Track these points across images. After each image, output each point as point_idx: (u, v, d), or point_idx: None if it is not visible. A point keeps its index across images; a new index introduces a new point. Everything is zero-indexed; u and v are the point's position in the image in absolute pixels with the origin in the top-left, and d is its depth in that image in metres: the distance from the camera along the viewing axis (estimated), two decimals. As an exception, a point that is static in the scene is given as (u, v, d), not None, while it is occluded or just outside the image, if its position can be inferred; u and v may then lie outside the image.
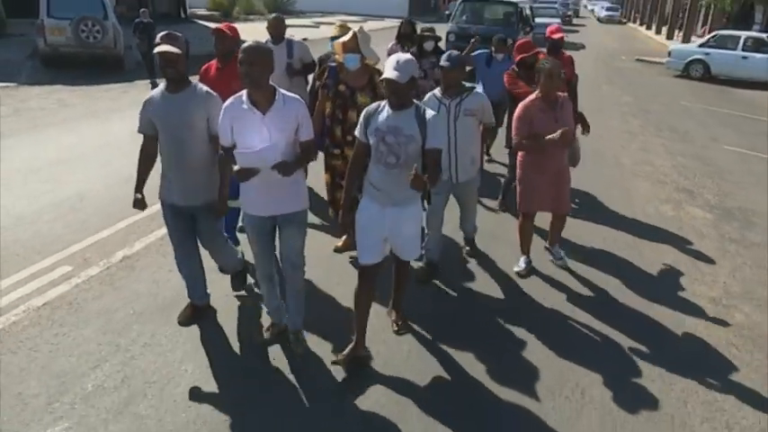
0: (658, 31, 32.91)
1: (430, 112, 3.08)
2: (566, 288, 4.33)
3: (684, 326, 3.92)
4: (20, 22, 17.03)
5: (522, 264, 4.53)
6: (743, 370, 3.48)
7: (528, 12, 16.73)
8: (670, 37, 27.62)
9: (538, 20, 19.56)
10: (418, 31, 6.08)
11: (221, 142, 3.04)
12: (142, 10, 12.25)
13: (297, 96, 3.10)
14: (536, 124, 4.01)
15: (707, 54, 16.34)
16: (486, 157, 6.71)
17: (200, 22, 23.70)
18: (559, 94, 4.11)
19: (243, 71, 2.82)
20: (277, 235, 3.27)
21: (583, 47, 22.84)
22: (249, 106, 2.92)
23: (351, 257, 4.51)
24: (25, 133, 7.87)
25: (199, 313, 3.67)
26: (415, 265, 4.22)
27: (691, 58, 16.63)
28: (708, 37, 17.10)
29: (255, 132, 2.92)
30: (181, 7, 23.20)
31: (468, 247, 4.80)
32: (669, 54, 17.56)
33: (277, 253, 3.34)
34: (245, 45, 2.88)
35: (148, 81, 11.53)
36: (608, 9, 50.36)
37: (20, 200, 5.48)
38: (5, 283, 4.04)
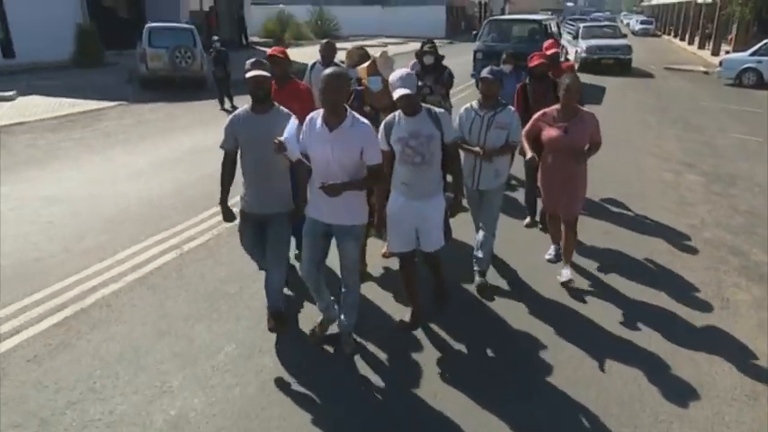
0: (691, 42, 33.96)
1: (439, 110, 3.61)
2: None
3: (666, 242, 5.56)
4: (110, 53, 19.79)
5: (551, 251, 5.00)
6: (700, 263, 5.11)
7: (554, 28, 16.98)
8: (702, 47, 28.76)
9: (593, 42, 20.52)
10: (439, 51, 6.13)
11: (294, 154, 3.23)
12: (216, 38, 13.71)
13: (367, 122, 3.32)
14: (545, 132, 4.34)
15: (759, 62, 17.05)
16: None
17: (260, 48, 26.25)
18: (582, 109, 4.33)
19: (323, 94, 3.12)
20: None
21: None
22: (321, 124, 3.23)
23: (383, 254, 4.89)
24: (153, 137, 10.00)
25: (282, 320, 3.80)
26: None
27: (743, 67, 17.30)
28: (759, 45, 17.60)
29: (320, 146, 3.21)
30: (242, 35, 25.76)
31: (478, 280, 4.51)
32: (720, 64, 18.44)
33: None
34: (328, 71, 3.16)
35: (217, 100, 12.89)
36: (642, 23, 51.32)
37: (165, 182, 7.49)
38: (147, 231, 5.96)
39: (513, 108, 4.33)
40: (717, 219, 6.21)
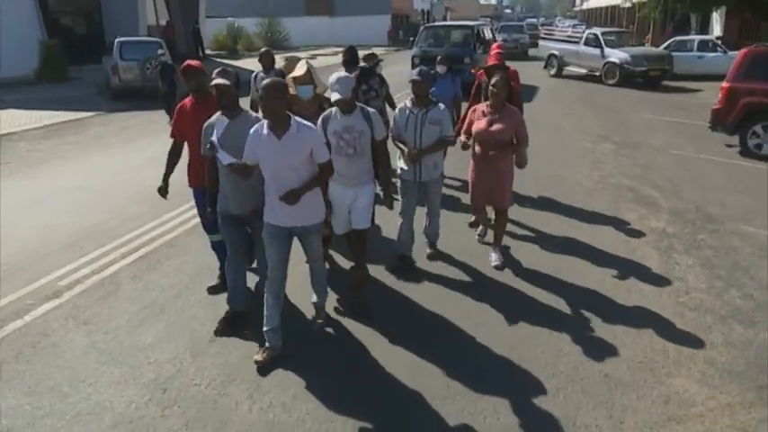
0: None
1: (371, 110, 4.04)
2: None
3: (582, 187, 7.25)
4: (72, 68, 20.47)
5: (478, 230, 5.56)
6: (605, 196, 6.81)
7: (488, 32, 17.92)
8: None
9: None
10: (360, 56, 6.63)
11: (245, 160, 3.42)
12: (161, 52, 14.06)
13: (310, 124, 3.50)
14: (474, 124, 4.71)
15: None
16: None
17: (216, 60, 27.24)
18: (508, 106, 4.68)
19: (263, 104, 3.26)
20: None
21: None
22: (268, 132, 3.34)
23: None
24: (142, 138, 11.09)
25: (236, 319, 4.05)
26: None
27: None
28: (668, 42, 19.45)
29: (271, 155, 3.33)
30: (199, 47, 26.70)
31: (431, 250, 5.17)
32: None
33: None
34: (265, 82, 3.30)
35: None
36: (574, 26, 54.81)
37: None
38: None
39: (443, 105, 4.68)
40: (621, 170, 8.00)
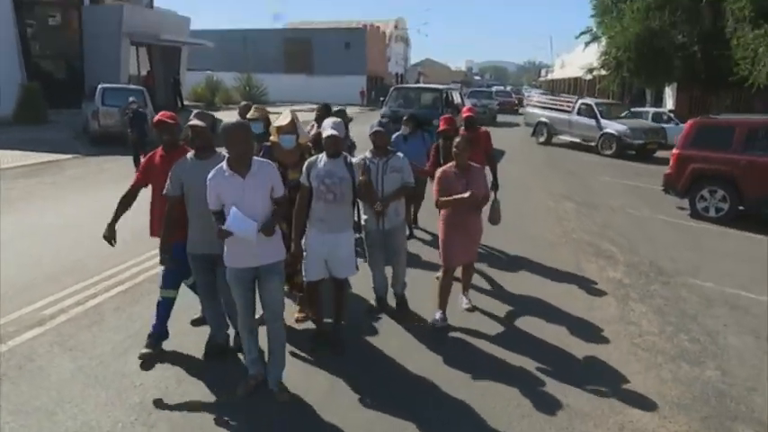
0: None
1: (355, 159, 4.28)
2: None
3: (546, 240, 7.71)
4: (50, 112, 20.61)
5: (437, 316, 4.90)
6: (567, 249, 7.27)
7: (456, 97, 17.95)
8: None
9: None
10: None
11: (210, 206, 3.44)
12: (132, 99, 13.75)
13: (268, 161, 3.64)
14: (450, 187, 4.69)
15: None
16: (413, 225, 7.63)
17: (193, 110, 27.76)
18: (471, 164, 4.80)
19: (230, 147, 3.34)
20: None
21: (518, 125, 27.89)
22: (230, 173, 3.38)
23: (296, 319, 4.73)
24: (119, 181, 11.14)
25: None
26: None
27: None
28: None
29: (235, 195, 3.35)
30: (178, 97, 27.21)
31: (398, 302, 5.09)
32: None
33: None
34: (228, 124, 3.38)
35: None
36: (540, 95, 57.88)
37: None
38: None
39: (401, 154, 4.82)
40: (581, 227, 8.53)
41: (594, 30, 26.60)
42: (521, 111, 35.01)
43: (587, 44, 27.92)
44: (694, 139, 9.57)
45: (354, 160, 4.60)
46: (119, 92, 16.57)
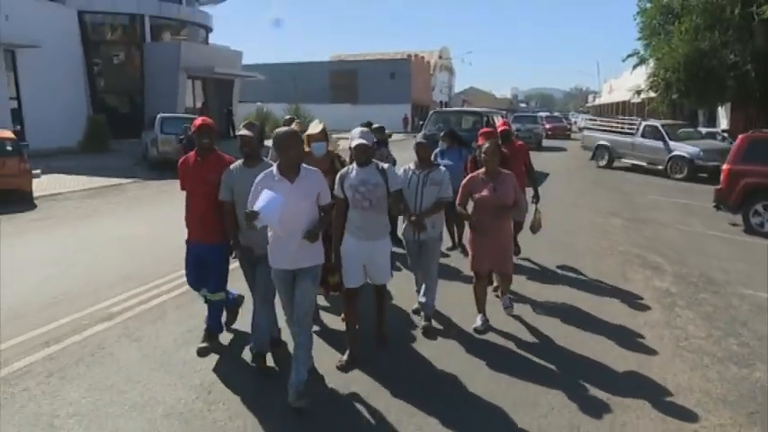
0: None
1: (385, 165, 4.22)
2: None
3: (592, 252, 7.70)
4: (112, 141, 22.00)
5: (478, 321, 4.95)
6: (614, 261, 7.24)
7: (498, 120, 17.63)
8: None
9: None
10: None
11: (250, 206, 3.51)
12: (185, 126, 14.31)
13: (316, 169, 3.76)
14: (475, 192, 4.74)
15: None
16: (459, 244, 7.49)
17: (245, 139, 28.89)
18: (503, 171, 4.81)
19: (281, 152, 3.51)
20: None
21: (565, 149, 27.69)
22: (280, 177, 3.54)
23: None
24: (176, 201, 11.82)
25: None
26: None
27: None
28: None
29: (285, 198, 3.45)
30: (230, 127, 28.46)
31: (425, 323, 4.94)
32: None
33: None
34: (280, 131, 3.58)
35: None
36: (587, 120, 57.29)
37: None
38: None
39: (444, 168, 4.94)
40: (628, 240, 8.46)
41: (642, 52, 26.32)
42: (573, 136, 34.75)
43: (635, 66, 27.61)
44: (746, 154, 9.40)
45: (399, 170, 4.77)
46: (176, 120, 17.56)
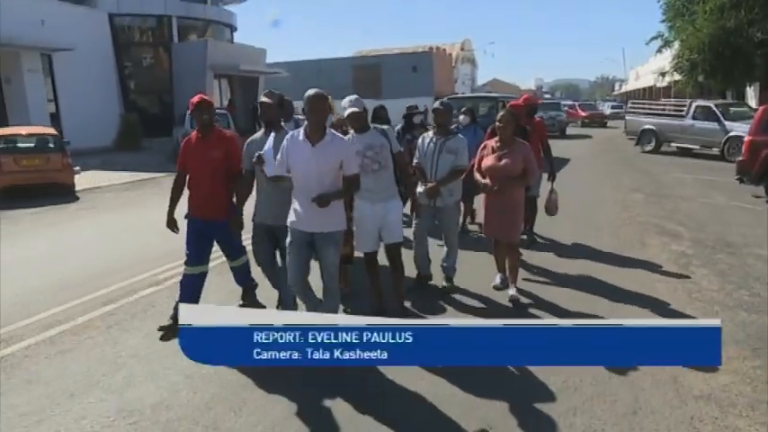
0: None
1: (384, 126, 4.43)
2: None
3: (613, 222, 7.90)
4: (143, 140, 22.82)
5: (497, 279, 5.13)
6: (633, 229, 7.43)
7: None
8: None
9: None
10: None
11: (276, 168, 3.63)
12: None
13: (345, 138, 3.81)
14: (484, 160, 4.82)
15: None
16: (476, 224, 7.38)
17: (271, 134, 29.58)
18: (518, 140, 4.79)
19: (309, 113, 3.50)
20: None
21: (590, 136, 27.42)
22: (304, 138, 3.55)
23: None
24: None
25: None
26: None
27: None
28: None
29: (304, 159, 3.51)
30: (256, 122, 29.08)
31: (446, 284, 5.13)
32: None
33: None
34: (309, 93, 3.51)
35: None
36: (613, 107, 56.53)
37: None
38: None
39: (462, 136, 5.01)
40: (648, 212, 8.63)
41: (666, 34, 26.04)
42: (609, 124, 34.07)
43: (659, 49, 27.32)
44: (767, 124, 9.44)
45: (419, 139, 4.99)
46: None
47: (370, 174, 4.16)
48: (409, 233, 5.19)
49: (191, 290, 4.39)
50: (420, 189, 4.93)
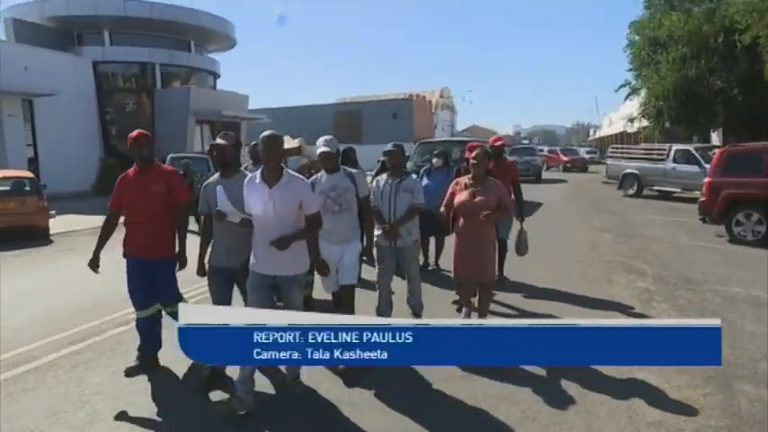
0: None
1: (354, 170, 4.43)
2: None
3: (581, 261, 8.11)
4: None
5: (463, 311, 5.11)
6: (600, 267, 7.64)
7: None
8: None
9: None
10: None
11: (234, 215, 3.75)
12: (184, 161, 15.22)
13: (302, 177, 3.79)
14: (457, 197, 4.82)
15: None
16: (434, 266, 7.72)
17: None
18: (490, 179, 4.84)
19: (264, 155, 3.51)
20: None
21: (565, 180, 28.06)
22: (260, 180, 3.53)
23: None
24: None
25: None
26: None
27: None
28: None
29: (261, 202, 3.50)
30: (212, 165, 29.31)
31: (415, 319, 4.84)
32: None
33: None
34: (263, 135, 3.56)
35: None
36: (588, 152, 58.20)
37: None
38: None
39: (415, 176, 5.11)
40: (616, 251, 8.89)
41: (633, 82, 27.17)
42: (591, 169, 34.82)
43: (627, 96, 28.45)
44: (725, 167, 9.88)
45: (372, 183, 4.93)
46: (186, 159, 18.33)
47: (329, 214, 4.19)
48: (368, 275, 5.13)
49: (149, 331, 4.31)
50: (378, 232, 4.88)
